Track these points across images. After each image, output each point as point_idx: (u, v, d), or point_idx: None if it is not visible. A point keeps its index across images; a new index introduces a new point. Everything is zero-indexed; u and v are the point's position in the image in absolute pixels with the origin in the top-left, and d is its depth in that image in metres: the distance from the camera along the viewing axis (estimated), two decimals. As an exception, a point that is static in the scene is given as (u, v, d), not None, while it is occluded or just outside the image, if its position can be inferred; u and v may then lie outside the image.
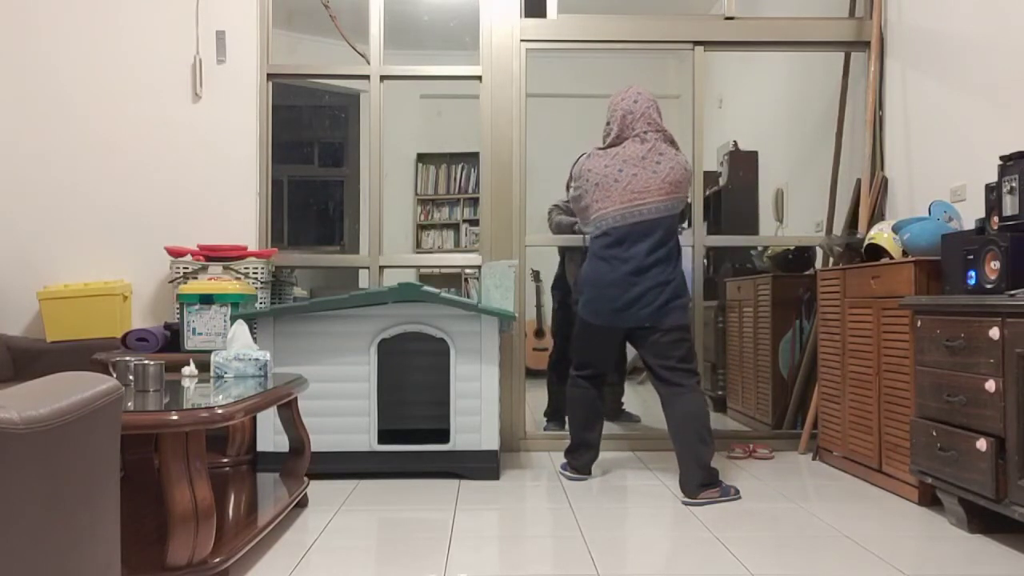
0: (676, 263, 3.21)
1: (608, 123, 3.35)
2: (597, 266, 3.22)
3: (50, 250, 3.92)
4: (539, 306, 7.14)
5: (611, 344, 3.30)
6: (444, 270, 7.12)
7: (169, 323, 3.62)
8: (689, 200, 3.41)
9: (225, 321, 3.40)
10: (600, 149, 3.33)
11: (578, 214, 3.45)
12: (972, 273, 2.68)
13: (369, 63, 4.06)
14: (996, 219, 2.68)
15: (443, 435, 3.43)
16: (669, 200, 3.19)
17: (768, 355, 4.46)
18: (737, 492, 3.10)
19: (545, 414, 4.49)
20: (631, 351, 3.74)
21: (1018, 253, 2.52)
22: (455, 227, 7.85)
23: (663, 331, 3.15)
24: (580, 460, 3.42)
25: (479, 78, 4.05)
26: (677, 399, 3.15)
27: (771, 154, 5.53)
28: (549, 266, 4.90)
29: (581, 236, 4.12)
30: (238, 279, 3.59)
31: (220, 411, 2.06)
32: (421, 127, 7.57)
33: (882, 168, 3.97)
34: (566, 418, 4.17)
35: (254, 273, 3.66)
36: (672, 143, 3.29)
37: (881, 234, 3.35)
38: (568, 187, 4.44)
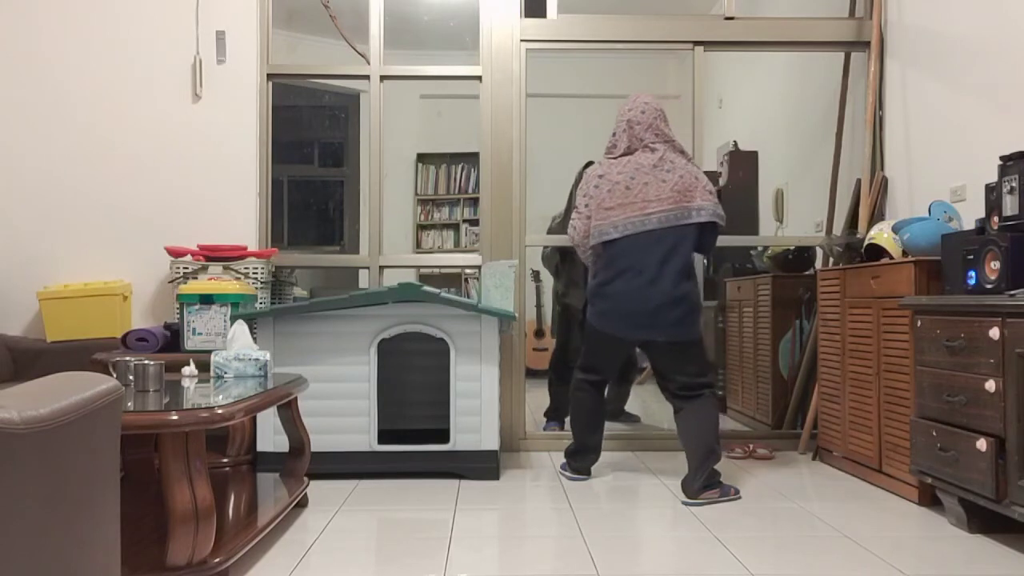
0: (691, 274, 3.15)
1: (615, 134, 3.30)
2: (608, 277, 3.16)
3: (50, 250, 3.92)
4: (539, 306, 7.14)
5: (621, 354, 3.29)
6: (444, 270, 7.12)
7: (169, 323, 3.62)
8: (719, 215, 3.17)
9: (225, 321, 3.40)
10: (611, 158, 3.28)
11: (577, 235, 3.29)
12: (972, 273, 2.68)
13: (369, 63, 4.06)
14: (996, 219, 2.68)
15: (443, 435, 3.43)
16: (677, 209, 3.11)
17: (768, 355, 4.46)
18: (737, 492, 3.10)
19: (546, 414, 4.49)
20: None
21: (1018, 253, 2.52)
22: (455, 227, 7.85)
23: (679, 344, 3.13)
24: (581, 462, 3.42)
25: (479, 78, 4.05)
26: (691, 406, 3.14)
27: (771, 154, 5.53)
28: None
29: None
30: (238, 279, 3.59)
31: (220, 411, 2.06)
32: (421, 127, 7.57)
33: (882, 168, 3.97)
34: (567, 419, 4.19)
35: (254, 273, 3.66)
36: (682, 153, 3.24)
37: (881, 234, 3.35)
38: (568, 201, 4.43)
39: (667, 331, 3.11)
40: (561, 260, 4.53)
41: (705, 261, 4.17)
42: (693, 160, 3.26)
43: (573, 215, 3.33)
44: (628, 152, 3.25)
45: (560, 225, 4.43)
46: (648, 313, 3.09)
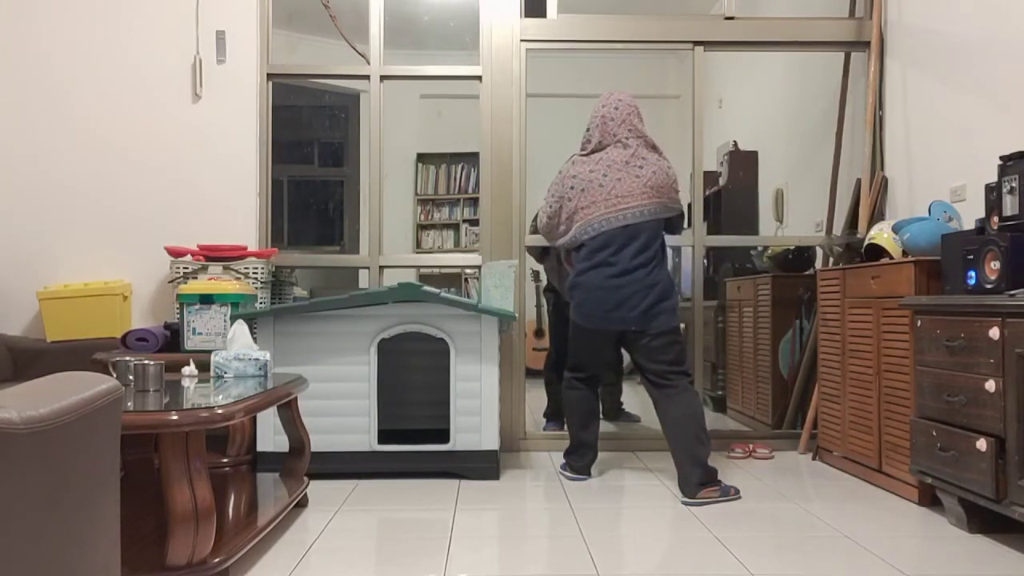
0: (661, 266, 3.23)
1: (588, 129, 3.37)
2: (585, 270, 3.24)
3: (50, 250, 3.92)
4: (539, 306, 7.14)
5: (604, 346, 3.32)
6: (444, 270, 7.11)
7: (169, 323, 3.62)
8: (682, 207, 3.38)
9: (225, 321, 3.40)
10: (582, 155, 3.35)
11: (550, 230, 3.42)
12: (972, 273, 2.68)
13: (369, 63, 4.06)
14: (996, 219, 2.68)
15: (443, 435, 3.43)
16: (652, 204, 3.21)
17: (768, 355, 4.46)
18: (737, 492, 3.10)
19: (545, 414, 4.49)
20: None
21: (1018, 253, 2.52)
22: (455, 227, 7.85)
23: (652, 335, 3.17)
24: (580, 461, 3.43)
25: (479, 78, 4.05)
26: (671, 400, 3.16)
27: (771, 154, 5.53)
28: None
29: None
30: (238, 279, 3.59)
31: (220, 411, 2.06)
32: (421, 127, 7.57)
33: (882, 168, 3.97)
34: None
35: (254, 273, 3.66)
36: (654, 148, 3.31)
37: (881, 234, 3.35)
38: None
39: (638, 320, 3.15)
40: (546, 249, 4.49)
41: (705, 261, 4.17)
42: (664, 155, 3.33)
43: (541, 208, 3.45)
44: (600, 148, 3.31)
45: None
46: (619, 303, 3.15)
